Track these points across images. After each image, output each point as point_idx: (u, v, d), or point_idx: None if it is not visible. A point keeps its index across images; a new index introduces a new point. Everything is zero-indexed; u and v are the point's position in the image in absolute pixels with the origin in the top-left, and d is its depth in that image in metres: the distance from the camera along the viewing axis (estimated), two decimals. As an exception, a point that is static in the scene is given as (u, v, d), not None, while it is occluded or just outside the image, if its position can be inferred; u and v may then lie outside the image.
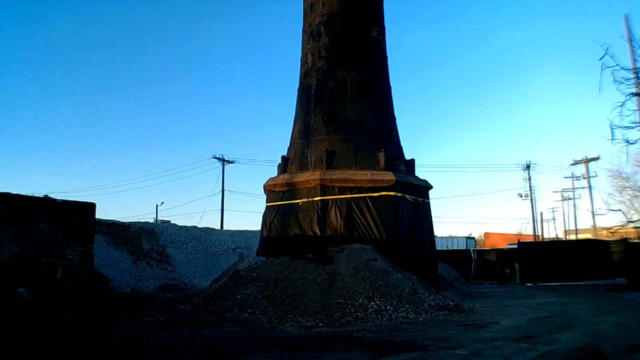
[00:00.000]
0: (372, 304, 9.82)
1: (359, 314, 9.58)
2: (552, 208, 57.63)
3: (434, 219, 15.07)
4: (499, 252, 24.81)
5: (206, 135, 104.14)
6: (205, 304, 10.74)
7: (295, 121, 15.34)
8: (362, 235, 12.64)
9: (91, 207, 9.62)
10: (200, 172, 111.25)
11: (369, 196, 12.92)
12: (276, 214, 13.90)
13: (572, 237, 43.64)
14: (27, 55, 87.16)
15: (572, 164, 38.68)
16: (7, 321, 7.68)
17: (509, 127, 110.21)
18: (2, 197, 8.19)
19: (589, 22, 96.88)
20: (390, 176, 13.04)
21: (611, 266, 20.32)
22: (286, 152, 15.22)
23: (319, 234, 12.85)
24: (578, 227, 44.88)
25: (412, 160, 14.86)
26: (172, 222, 27.31)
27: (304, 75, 15.31)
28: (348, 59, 14.63)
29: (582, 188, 39.45)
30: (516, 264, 21.72)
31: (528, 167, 40.46)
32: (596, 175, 36.61)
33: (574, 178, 40.99)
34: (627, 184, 24.18)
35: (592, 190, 36.53)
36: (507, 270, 22.13)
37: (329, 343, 6.99)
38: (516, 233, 56.85)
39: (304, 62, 15.49)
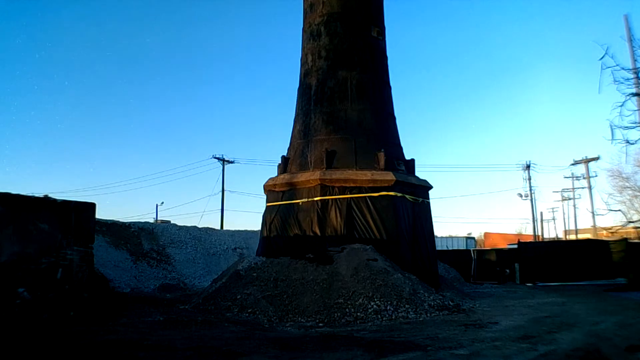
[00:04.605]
0: (372, 304, 9.82)
1: (359, 314, 9.58)
2: (552, 208, 57.49)
3: (434, 219, 15.09)
4: (499, 252, 24.82)
5: (206, 135, 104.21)
6: (205, 304, 10.74)
7: (295, 121, 15.34)
8: (362, 235, 12.64)
9: (91, 207, 9.61)
10: (200, 172, 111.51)
11: (369, 196, 12.92)
12: (276, 214, 13.89)
13: (572, 237, 43.62)
14: (28, 55, 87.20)
15: (572, 164, 38.72)
16: (7, 321, 7.68)
17: (509, 127, 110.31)
18: (2, 197, 8.18)
19: (589, 22, 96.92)
20: (390, 176, 13.04)
21: (611, 266, 20.32)
22: (286, 152, 15.21)
23: (319, 234, 12.84)
24: (578, 227, 44.90)
25: (412, 160, 14.85)
26: (172, 222, 27.33)
27: (304, 75, 15.31)
28: (348, 59, 14.63)
29: (582, 188, 39.49)
30: (516, 264, 21.74)
31: (528, 167, 40.47)
32: (596, 175, 36.66)
33: (574, 178, 41.00)
34: (627, 184, 24.15)
35: (592, 190, 36.58)
36: (507, 270, 22.14)
37: (329, 343, 6.99)
38: (516, 233, 56.88)
39: (304, 62, 15.49)
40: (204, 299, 10.99)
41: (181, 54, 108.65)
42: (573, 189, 42.50)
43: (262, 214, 14.77)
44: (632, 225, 18.14)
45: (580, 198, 44.20)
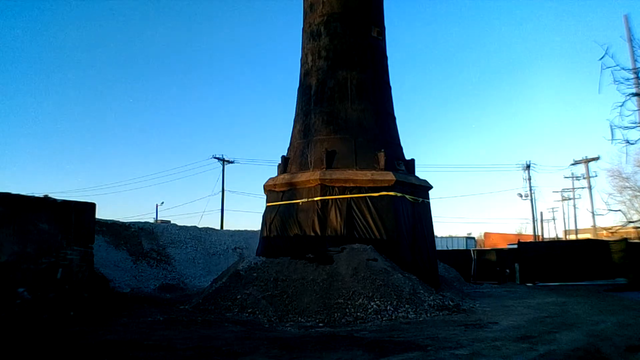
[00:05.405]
0: (372, 304, 9.82)
1: (359, 314, 9.58)
2: (552, 208, 57.57)
3: (434, 219, 15.08)
4: (498, 252, 24.82)
5: (206, 135, 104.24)
6: (205, 304, 10.74)
7: (295, 121, 15.33)
8: (362, 235, 12.63)
9: (91, 207, 9.62)
10: (200, 172, 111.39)
11: (369, 196, 12.91)
12: (276, 214, 13.89)
13: (572, 237, 43.61)
14: (28, 56, 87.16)
15: (572, 164, 38.70)
16: (7, 321, 7.68)
17: (509, 127, 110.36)
18: (2, 197, 8.19)
19: (589, 22, 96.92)
20: (390, 176, 13.04)
21: (611, 266, 20.33)
22: (286, 152, 15.21)
23: (319, 234, 12.83)
24: (578, 227, 44.87)
25: (412, 160, 14.85)
26: (172, 222, 27.31)
27: (304, 75, 15.30)
28: (348, 59, 14.63)
29: (582, 188, 39.47)
30: (516, 264, 21.74)
31: (528, 167, 40.45)
32: (596, 175, 36.64)
33: (574, 178, 40.99)
34: (627, 184, 24.13)
35: (592, 190, 36.57)
36: (507, 270, 22.15)
37: (329, 343, 6.99)
38: (516, 233, 56.87)
39: (304, 62, 15.49)
40: (204, 299, 10.99)
41: (181, 54, 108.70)
42: (573, 189, 42.52)
43: (262, 214, 14.78)
44: (632, 225, 18.14)
45: (580, 198, 44.25)
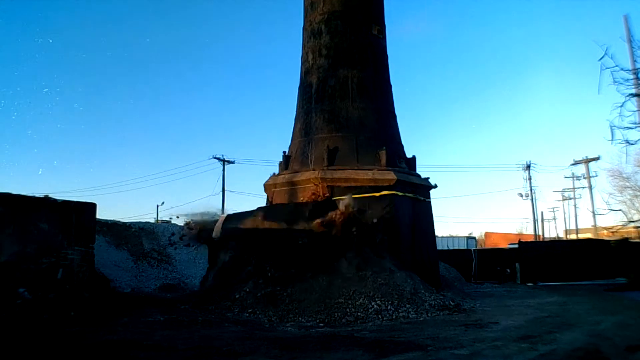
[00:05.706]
0: (372, 303, 9.81)
1: (359, 313, 9.57)
2: (553, 208, 57.18)
3: (434, 219, 15.05)
4: (499, 251, 24.80)
5: (206, 135, 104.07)
6: (205, 303, 10.72)
7: (296, 119, 15.33)
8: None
9: (92, 207, 9.62)
10: (200, 172, 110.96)
11: (370, 195, 12.89)
12: (276, 214, 13.85)
13: (573, 236, 43.56)
14: (28, 56, 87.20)
15: (573, 164, 38.72)
16: (7, 321, 7.68)
17: (509, 127, 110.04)
18: (2, 197, 8.19)
19: (589, 22, 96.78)
20: (391, 175, 13.03)
21: (611, 266, 20.31)
22: (287, 150, 15.20)
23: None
24: (579, 227, 44.81)
25: (413, 158, 14.84)
26: (172, 222, 27.28)
27: (305, 74, 15.30)
28: (349, 57, 14.63)
29: (583, 188, 39.49)
30: (517, 264, 21.73)
31: (528, 167, 40.43)
32: (596, 175, 36.62)
33: (575, 178, 40.94)
34: (627, 183, 24.09)
35: (593, 190, 36.56)
36: (508, 270, 22.13)
37: (329, 343, 6.98)
38: (517, 233, 56.74)
39: (304, 60, 15.48)
40: (202, 297, 10.96)
41: (181, 54, 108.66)
42: (574, 188, 42.47)
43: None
44: (632, 224, 18.12)
45: (580, 198, 44.15)
